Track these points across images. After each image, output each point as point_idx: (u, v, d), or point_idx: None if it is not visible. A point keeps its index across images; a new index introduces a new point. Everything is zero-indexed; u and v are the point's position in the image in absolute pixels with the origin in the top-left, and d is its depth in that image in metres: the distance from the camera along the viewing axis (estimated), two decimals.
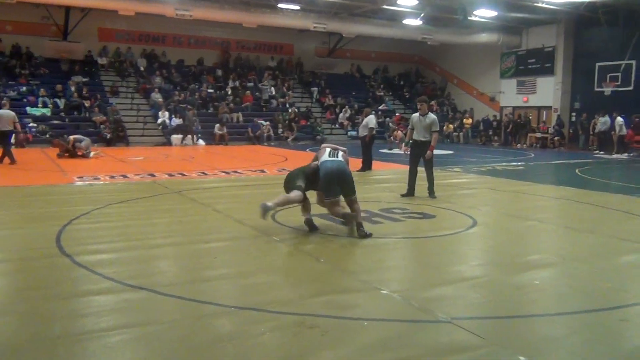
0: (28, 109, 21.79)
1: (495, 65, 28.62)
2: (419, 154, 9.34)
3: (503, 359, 3.36)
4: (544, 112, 26.48)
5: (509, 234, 7.04)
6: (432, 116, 9.26)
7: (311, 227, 6.53)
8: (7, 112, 13.97)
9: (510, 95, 27.99)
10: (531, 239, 6.86)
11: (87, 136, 21.03)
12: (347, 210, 6.52)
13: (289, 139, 25.05)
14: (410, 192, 9.40)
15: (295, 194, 6.39)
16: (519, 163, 16.87)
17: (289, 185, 6.61)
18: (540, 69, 26.26)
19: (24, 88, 22.89)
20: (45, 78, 23.98)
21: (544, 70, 26.06)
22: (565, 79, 25.52)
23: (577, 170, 15.04)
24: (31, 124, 20.46)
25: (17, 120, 14.19)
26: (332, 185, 6.37)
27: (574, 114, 25.50)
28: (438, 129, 9.34)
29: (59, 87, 23.20)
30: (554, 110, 25.74)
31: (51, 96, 22.82)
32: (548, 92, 26.03)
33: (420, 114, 9.23)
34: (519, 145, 25.48)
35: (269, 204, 6.20)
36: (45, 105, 22.35)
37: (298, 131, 25.66)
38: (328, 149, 6.66)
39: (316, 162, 6.62)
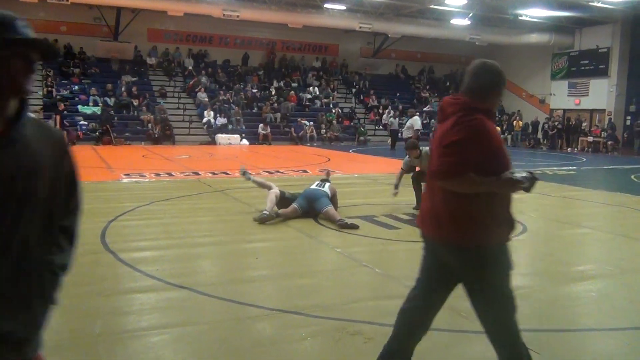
0: (79, 107, 22.44)
1: (545, 67, 27.79)
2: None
3: None
4: (597, 115, 25.54)
5: (560, 241, 6.73)
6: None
7: (262, 220, 6.84)
8: None
9: (561, 97, 27.14)
10: (585, 248, 6.54)
11: (135, 134, 21.67)
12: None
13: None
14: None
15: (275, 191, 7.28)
16: (570, 168, 16.28)
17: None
18: (593, 70, 25.37)
19: (76, 87, 23.58)
20: (97, 77, 24.66)
21: (597, 71, 25.15)
22: (620, 81, 24.56)
23: (632, 176, 14.37)
24: (82, 122, 21.06)
25: None
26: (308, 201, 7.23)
27: (629, 117, 24.51)
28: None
29: (109, 86, 23.81)
30: (608, 113, 24.79)
31: (102, 95, 23.43)
32: (601, 94, 25.10)
33: (413, 158, 8.37)
34: (569, 149, 24.64)
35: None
36: (95, 104, 22.95)
37: (342, 132, 25.53)
38: (317, 182, 7.74)
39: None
